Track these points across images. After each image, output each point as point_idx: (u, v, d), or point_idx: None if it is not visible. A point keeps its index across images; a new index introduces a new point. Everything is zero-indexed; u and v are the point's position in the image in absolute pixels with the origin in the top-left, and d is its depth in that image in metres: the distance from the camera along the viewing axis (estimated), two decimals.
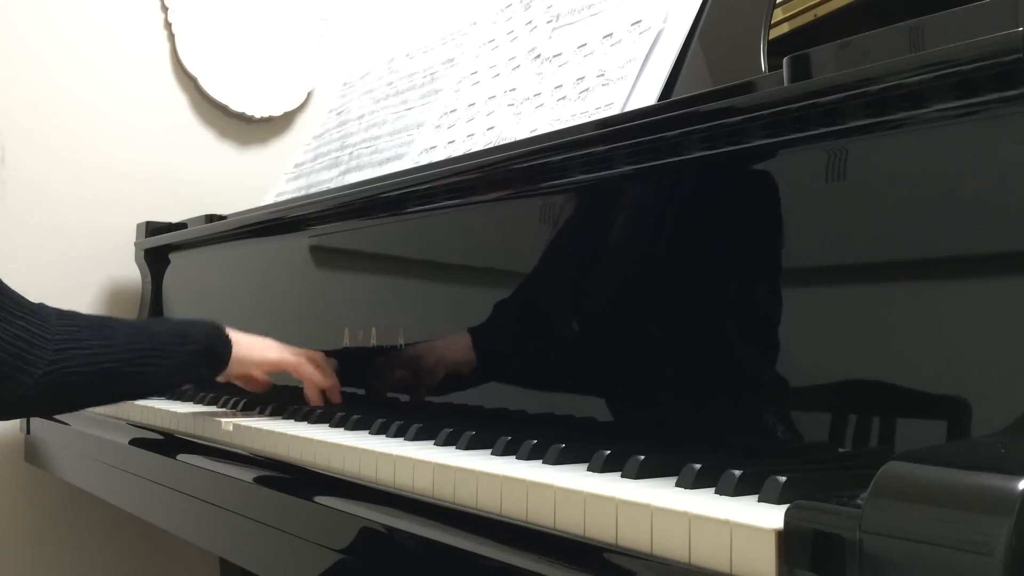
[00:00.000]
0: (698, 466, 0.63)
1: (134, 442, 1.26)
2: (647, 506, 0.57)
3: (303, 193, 1.53)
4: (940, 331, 0.62)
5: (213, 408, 1.30)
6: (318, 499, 0.84)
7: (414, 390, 1.10)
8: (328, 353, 1.23)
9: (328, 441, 0.91)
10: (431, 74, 1.41)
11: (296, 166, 1.67)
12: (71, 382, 1.00)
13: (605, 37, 1.05)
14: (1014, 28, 0.56)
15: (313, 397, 1.18)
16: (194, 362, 1.11)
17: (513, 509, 0.67)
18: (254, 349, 1.18)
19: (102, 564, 1.80)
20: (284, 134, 2.06)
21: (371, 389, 1.18)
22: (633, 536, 0.57)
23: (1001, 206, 0.59)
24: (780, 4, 1.28)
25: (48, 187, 1.77)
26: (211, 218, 1.61)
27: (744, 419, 0.75)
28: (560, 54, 1.10)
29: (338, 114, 1.65)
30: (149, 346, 1.07)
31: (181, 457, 1.13)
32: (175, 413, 1.24)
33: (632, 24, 1.02)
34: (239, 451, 1.08)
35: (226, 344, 1.14)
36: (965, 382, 0.60)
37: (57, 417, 1.51)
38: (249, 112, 1.99)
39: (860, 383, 0.66)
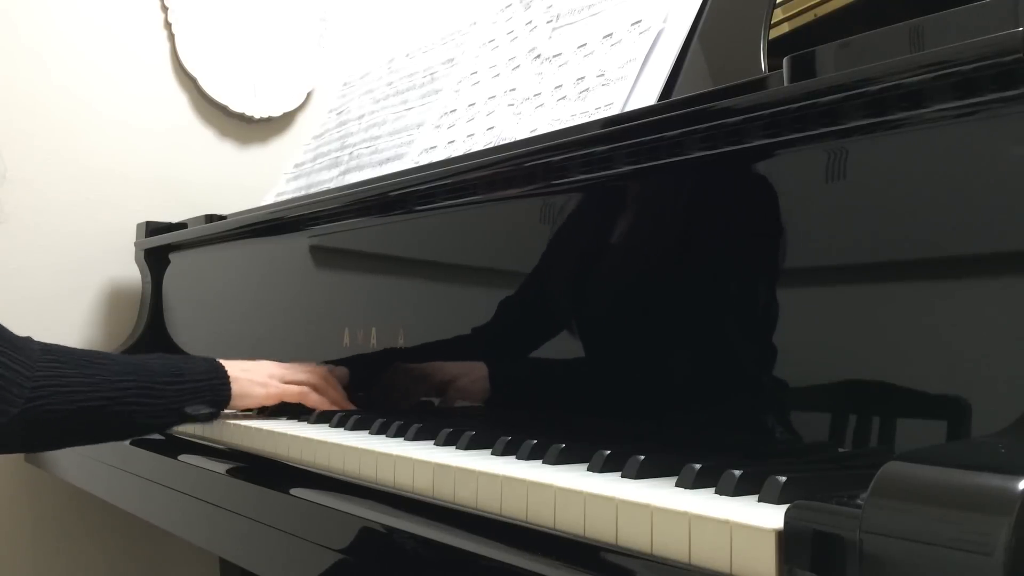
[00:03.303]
0: (698, 466, 0.63)
1: (133, 442, 1.26)
2: (647, 506, 0.57)
3: (303, 193, 1.53)
4: (940, 331, 0.62)
5: None
6: (318, 499, 0.84)
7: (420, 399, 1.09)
8: (328, 360, 1.23)
9: (328, 441, 0.91)
10: (431, 74, 1.41)
11: (296, 166, 1.67)
12: (47, 420, 0.97)
13: (605, 37, 1.05)
14: (1014, 28, 0.56)
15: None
16: (189, 401, 1.07)
17: (513, 509, 0.67)
18: (254, 388, 1.13)
19: (102, 564, 1.80)
20: (284, 134, 2.06)
21: (382, 397, 1.15)
22: (633, 536, 0.57)
23: (1001, 206, 0.59)
24: (780, 4, 1.28)
25: (48, 187, 1.77)
26: (211, 218, 1.61)
27: (744, 419, 0.75)
28: (560, 54, 1.10)
29: (338, 114, 1.64)
30: (139, 384, 1.03)
31: (181, 457, 1.14)
32: None
33: (632, 24, 1.02)
34: (239, 451, 1.08)
35: (224, 383, 1.11)
36: (965, 382, 0.60)
37: None
38: (249, 112, 1.99)
39: (860, 383, 0.66)
